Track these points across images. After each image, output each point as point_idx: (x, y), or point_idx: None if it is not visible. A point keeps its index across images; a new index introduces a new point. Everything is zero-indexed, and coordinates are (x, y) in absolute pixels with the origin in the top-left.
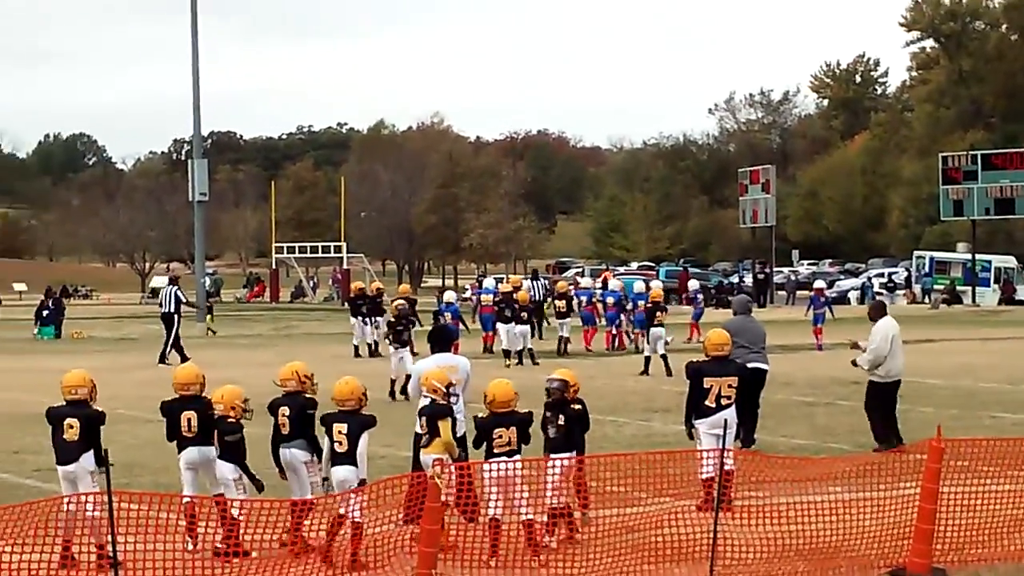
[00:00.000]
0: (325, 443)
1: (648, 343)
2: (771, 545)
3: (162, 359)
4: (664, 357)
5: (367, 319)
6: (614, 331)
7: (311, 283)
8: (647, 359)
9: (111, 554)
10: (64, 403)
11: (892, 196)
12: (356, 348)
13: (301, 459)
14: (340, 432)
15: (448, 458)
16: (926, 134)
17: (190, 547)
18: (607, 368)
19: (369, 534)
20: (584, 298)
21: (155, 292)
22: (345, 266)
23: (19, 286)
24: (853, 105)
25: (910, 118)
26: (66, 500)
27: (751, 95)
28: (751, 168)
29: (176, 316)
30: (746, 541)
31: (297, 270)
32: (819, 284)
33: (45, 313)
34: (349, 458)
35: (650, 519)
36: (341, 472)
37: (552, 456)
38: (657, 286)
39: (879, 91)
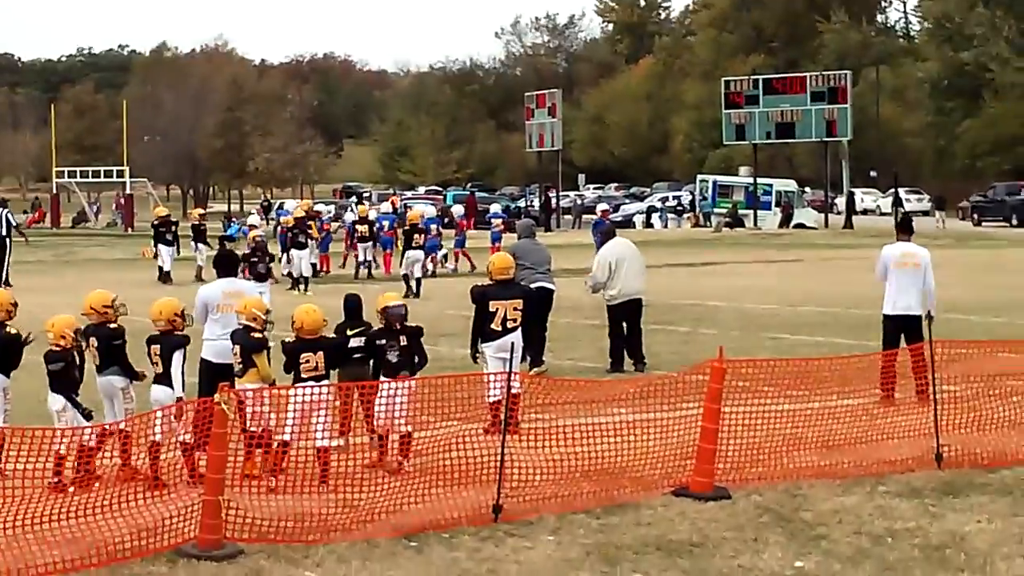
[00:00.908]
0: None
1: (402, 266)
2: (557, 467)
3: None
4: (418, 281)
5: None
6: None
7: (94, 208)
8: (405, 278)
9: None
10: None
11: (676, 121)
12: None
13: (118, 385)
14: (155, 353)
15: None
16: (709, 59)
17: None
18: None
19: (163, 459)
20: (386, 223)
21: None
22: (128, 191)
23: None
24: (638, 29)
25: (693, 43)
26: None
27: (537, 19)
28: (537, 92)
29: (8, 240)
30: (533, 463)
31: (79, 195)
32: (603, 207)
33: None
34: (165, 378)
35: (438, 443)
36: (156, 392)
37: (401, 378)
38: (423, 210)
39: (663, 16)
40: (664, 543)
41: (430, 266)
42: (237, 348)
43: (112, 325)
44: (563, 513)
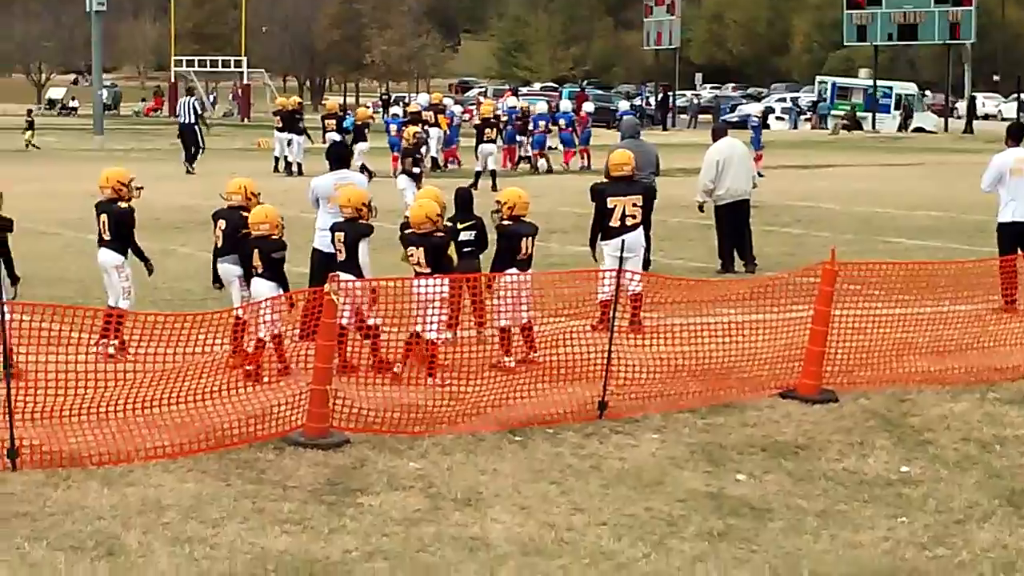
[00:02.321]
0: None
1: (477, 159)
2: (664, 366)
3: (190, 167)
4: (493, 173)
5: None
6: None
7: (210, 98)
8: (477, 174)
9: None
10: None
11: (796, 20)
12: (276, 161)
13: (234, 274)
14: (339, 240)
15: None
16: None
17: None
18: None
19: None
20: (543, 122)
21: (52, 103)
22: (245, 81)
23: None
24: None
25: None
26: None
27: None
28: None
29: (196, 127)
30: (640, 361)
31: (196, 84)
32: (755, 108)
33: None
34: (347, 265)
35: (545, 339)
36: (259, 286)
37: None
38: (490, 104)
39: None
40: (769, 444)
41: (542, 162)
42: (340, 235)
43: (122, 204)
44: (668, 412)
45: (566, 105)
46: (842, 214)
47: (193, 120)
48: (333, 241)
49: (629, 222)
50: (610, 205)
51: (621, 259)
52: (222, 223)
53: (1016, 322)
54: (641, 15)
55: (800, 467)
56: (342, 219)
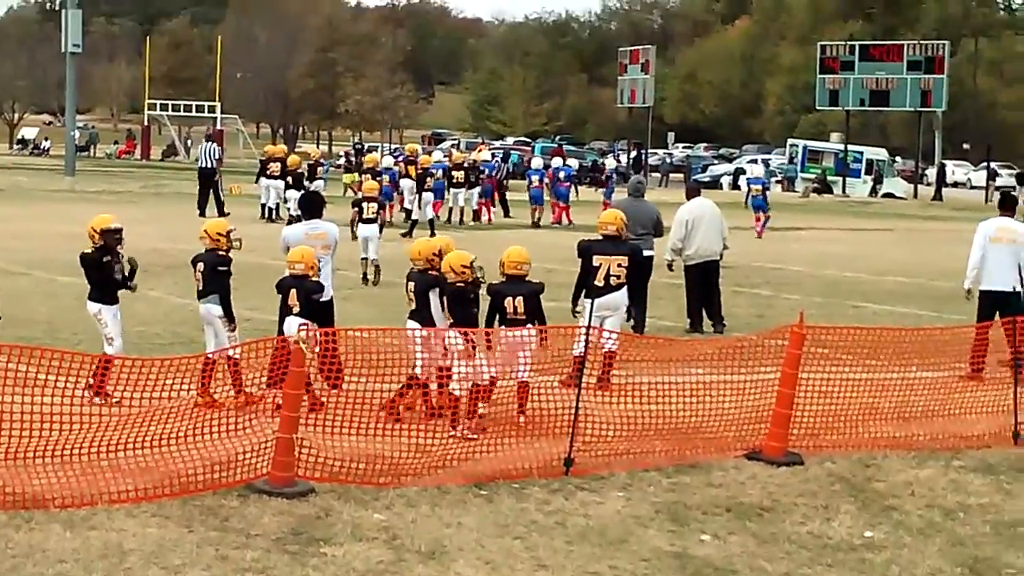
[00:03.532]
0: None
1: (419, 207)
2: (631, 423)
3: (202, 212)
4: (430, 222)
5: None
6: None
7: (186, 143)
8: (413, 223)
9: None
10: None
11: (770, 83)
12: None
13: (215, 314)
14: (410, 290)
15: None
16: (806, 22)
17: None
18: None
19: (231, 397)
20: (536, 177)
21: (23, 142)
22: (219, 127)
23: None
24: None
25: (791, 4)
26: None
27: None
28: (631, 48)
29: (216, 172)
30: (607, 418)
31: (170, 128)
32: (756, 170)
33: None
34: (417, 315)
35: (510, 393)
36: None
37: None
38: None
39: None
40: (734, 505)
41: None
42: (294, 292)
43: (220, 252)
44: (634, 470)
45: (536, 163)
46: (811, 277)
47: (212, 165)
48: (286, 296)
49: (613, 281)
50: (595, 263)
51: (590, 318)
52: (200, 265)
53: (982, 391)
54: (615, 72)
55: (764, 529)
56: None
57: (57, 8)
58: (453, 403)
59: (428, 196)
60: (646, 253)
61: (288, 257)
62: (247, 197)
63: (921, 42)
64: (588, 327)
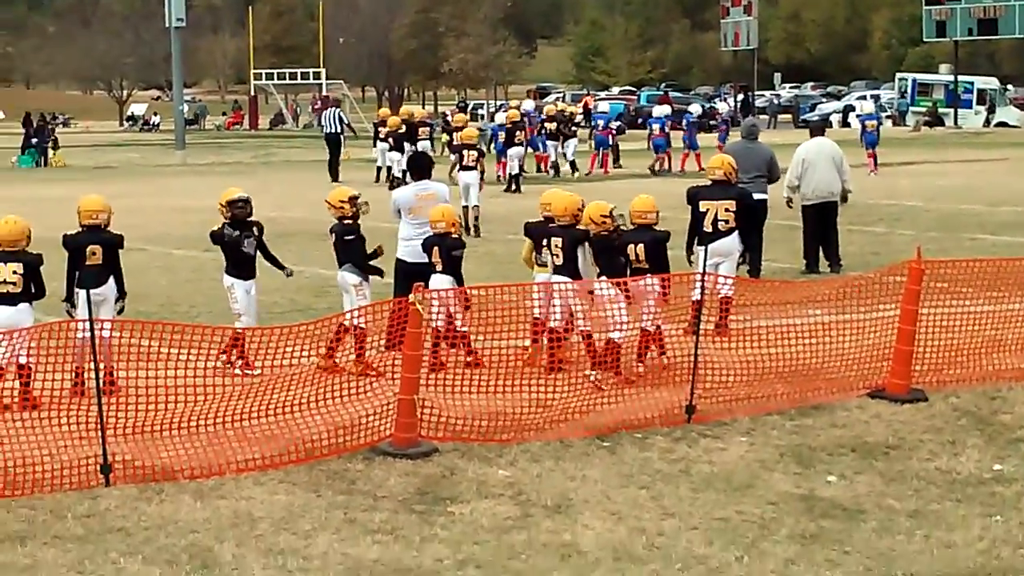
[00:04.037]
0: None
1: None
2: (751, 368)
3: (335, 178)
4: (517, 177)
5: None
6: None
7: (294, 112)
8: (510, 177)
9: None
10: (81, 228)
11: (874, 17)
12: (379, 171)
13: (351, 282)
14: (556, 246)
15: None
16: None
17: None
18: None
19: (351, 362)
20: (657, 126)
21: (133, 119)
22: (325, 92)
23: None
24: None
25: None
26: (80, 325)
27: None
28: None
29: (342, 136)
30: (727, 364)
31: (276, 97)
32: (866, 106)
33: (29, 139)
34: (564, 269)
35: (632, 343)
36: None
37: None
38: (523, 107)
39: None
40: (859, 445)
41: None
42: (436, 249)
43: (347, 220)
44: (756, 415)
45: (662, 110)
46: (926, 211)
47: (340, 129)
48: (430, 254)
49: (722, 227)
50: (702, 209)
51: (704, 264)
52: (332, 236)
53: None
54: (718, 16)
55: (891, 467)
56: (432, 234)
57: None
58: (614, 351)
59: (516, 150)
60: (759, 197)
61: (430, 217)
62: (359, 161)
63: None
64: (703, 273)
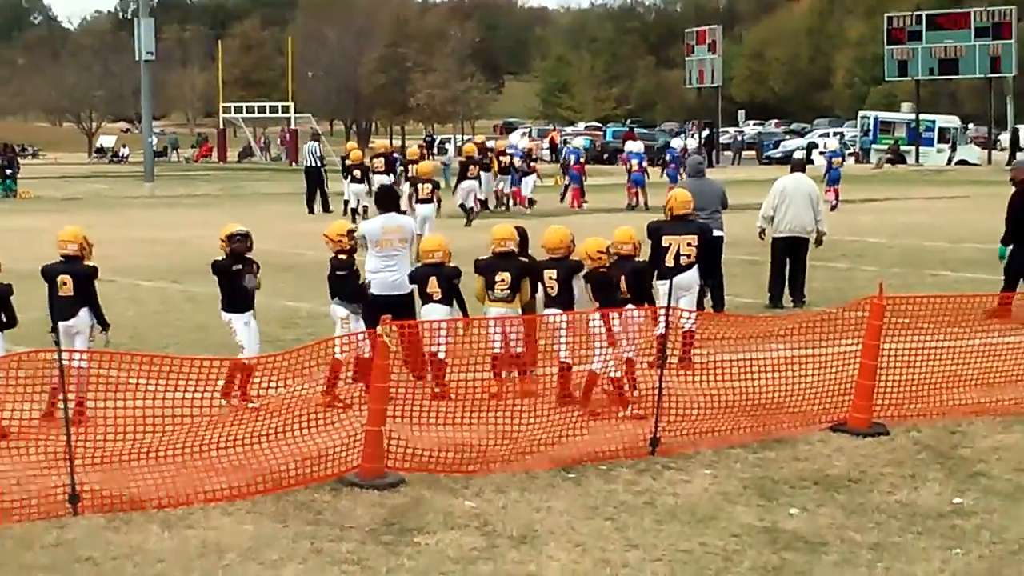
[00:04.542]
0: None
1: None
2: (715, 401)
3: (311, 210)
4: (470, 209)
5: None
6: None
7: (263, 144)
8: (461, 207)
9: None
10: (59, 260)
11: (838, 56)
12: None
13: (340, 315)
14: (550, 278)
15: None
16: None
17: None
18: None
19: (318, 391)
20: (635, 161)
21: (102, 151)
22: (293, 126)
23: None
24: None
25: None
26: (78, 356)
27: None
28: (697, 28)
29: (322, 170)
30: (690, 397)
31: (245, 130)
32: (831, 143)
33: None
34: (556, 302)
35: (595, 376)
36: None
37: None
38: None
39: None
40: (822, 478)
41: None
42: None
43: (343, 255)
44: (720, 447)
45: (637, 146)
46: (888, 248)
47: (317, 164)
48: (424, 284)
49: (684, 261)
50: (664, 244)
51: (669, 298)
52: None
53: None
54: (683, 54)
55: (853, 500)
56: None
57: (129, 17)
58: (619, 385)
59: (469, 184)
60: (716, 233)
61: (422, 247)
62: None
63: (988, 8)
64: (668, 307)
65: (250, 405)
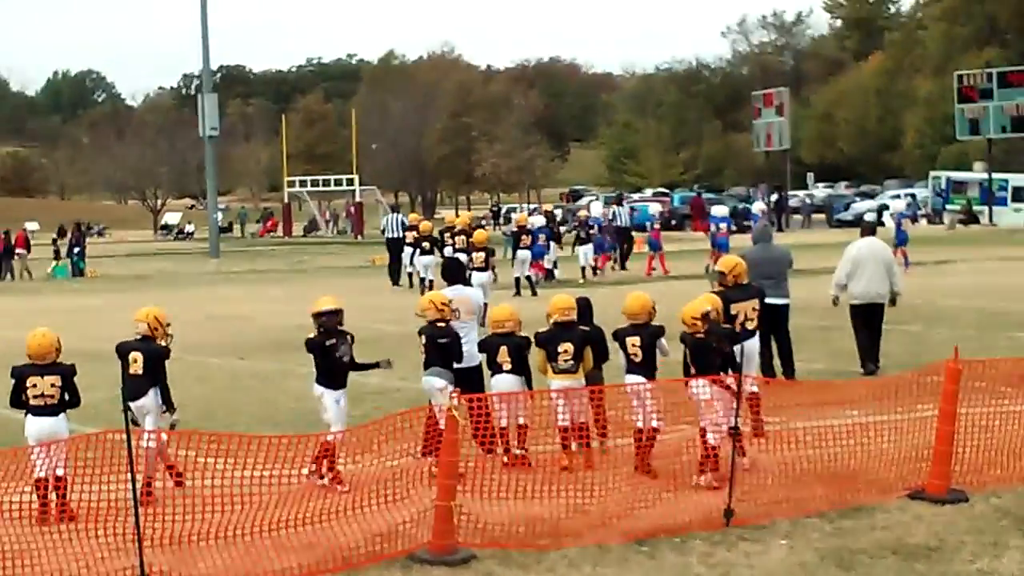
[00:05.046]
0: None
1: (516, 266)
2: (790, 470)
3: (395, 282)
4: (528, 279)
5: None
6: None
7: (329, 217)
8: (516, 280)
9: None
10: (135, 337)
11: (907, 116)
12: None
13: (436, 386)
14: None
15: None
16: (940, 53)
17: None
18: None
19: (388, 466)
20: (723, 225)
21: (167, 228)
22: (358, 199)
23: (31, 225)
24: (867, 25)
25: (924, 36)
26: (146, 436)
27: (764, 17)
28: (764, 91)
29: (402, 242)
30: (764, 466)
31: (310, 204)
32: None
33: (70, 249)
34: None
35: (668, 447)
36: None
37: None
38: (524, 213)
39: (892, 10)
40: (900, 547)
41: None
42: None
43: (441, 323)
44: (796, 517)
45: (723, 210)
46: (963, 310)
47: (401, 235)
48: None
49: (749, 326)
50: (732, 312)
51: (740, 364)
52: (423, 338)
53: None
54: (750, 117)
55: (932, 569)
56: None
57: (193, 93)
58: (713, 452)
59: (524, 254)
60: (782, 301)
61: (493, 316)
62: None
63: None
64: (740, 374)
65: (340, 488)
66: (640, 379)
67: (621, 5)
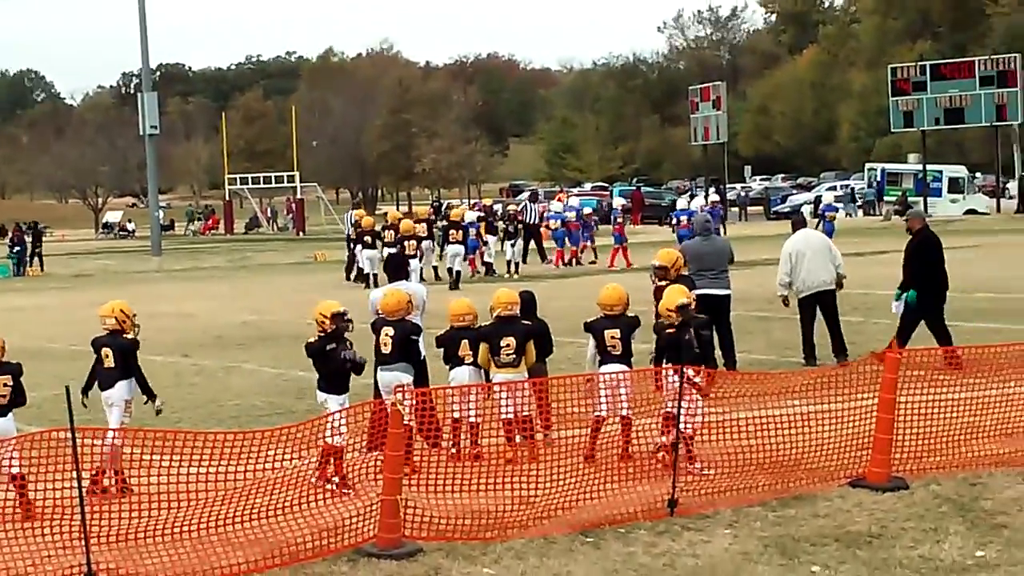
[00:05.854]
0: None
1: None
2: (731, 460)
3: (347, 277)
4: (456, 272)
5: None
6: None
7: (270, 215)
8: (449, 271)
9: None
10: (103, 333)
11: (842, 109)
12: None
13: (404, 381)
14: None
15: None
16: (874, 46)
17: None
18: (564, 288)
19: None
20: (684, 218)
21: (108, 226)
22: (299, 196)
23: None
24: (801, 19)
25: (858, 30)
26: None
27: (699, 12)
28: (701, 85)
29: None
30: (707, 457)
31: (251, 201)
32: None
33: (16, 249)
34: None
35: (611, 438)
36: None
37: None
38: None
39: (827, 4)
40: (842, 534)
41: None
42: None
43: (412, 321)
44: (739, 506)
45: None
46: None
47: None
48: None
49: None
50: None
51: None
52: (389, 330)
53: None
54: (687, 111)
55: (875, 556)
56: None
57: (133, 92)
58: (689, 440)
59: (454, 248)
60: (724, 292)
61: (453, 310)
62: (334, 263)
63: (992, 57)
64: (683, 366)
65: (346, 491)
66: (623, 367)
67: (557, 1)
